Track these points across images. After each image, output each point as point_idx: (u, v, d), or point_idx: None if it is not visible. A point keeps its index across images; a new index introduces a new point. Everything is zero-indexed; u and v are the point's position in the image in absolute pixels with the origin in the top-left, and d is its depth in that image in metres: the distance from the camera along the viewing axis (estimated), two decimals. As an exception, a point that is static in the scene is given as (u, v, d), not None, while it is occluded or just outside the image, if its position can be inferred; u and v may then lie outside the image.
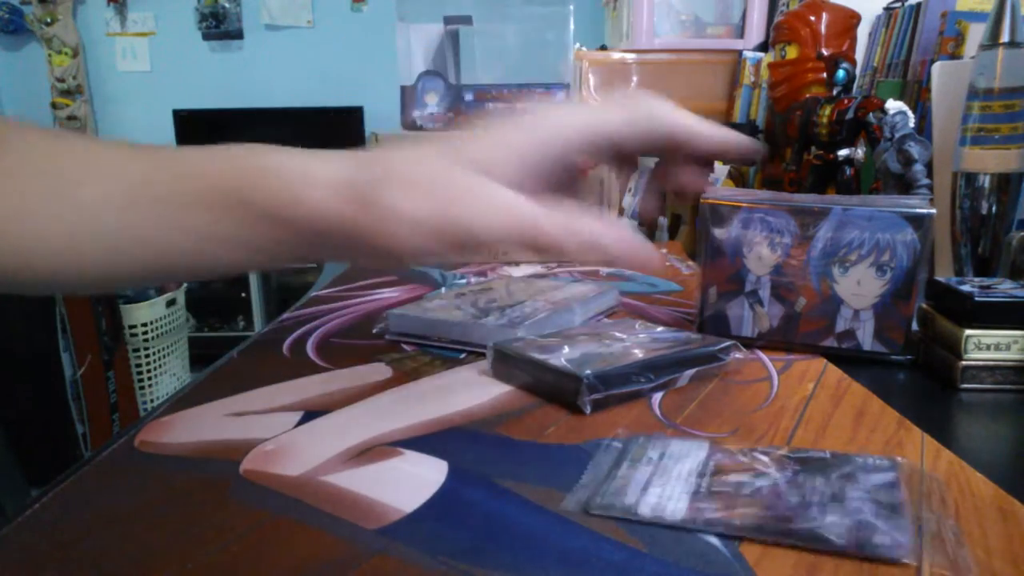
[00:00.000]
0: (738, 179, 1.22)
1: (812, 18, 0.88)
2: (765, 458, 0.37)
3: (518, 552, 0.31)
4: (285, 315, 0.71)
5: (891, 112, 0.72)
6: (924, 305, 0.54)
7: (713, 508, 0.33)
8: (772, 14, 1.50)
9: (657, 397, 0.48)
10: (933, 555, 0.29)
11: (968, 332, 0.49)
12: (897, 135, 0.71)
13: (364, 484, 0.37)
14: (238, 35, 3.57)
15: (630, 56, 1.62)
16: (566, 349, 0.50)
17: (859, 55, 0.99)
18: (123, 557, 0.31)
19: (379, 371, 0.54)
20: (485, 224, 0.37)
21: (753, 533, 0.31)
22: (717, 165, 1.15)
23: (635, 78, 1.62)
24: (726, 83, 1.57)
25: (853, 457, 0.37)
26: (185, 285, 2.54)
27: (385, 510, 0.34)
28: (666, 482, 0.35)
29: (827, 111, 0.81)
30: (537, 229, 0.38)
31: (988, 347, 0.49)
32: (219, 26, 3.55)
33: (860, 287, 0.53)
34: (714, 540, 0.31)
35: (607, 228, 0.39)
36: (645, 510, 0.33)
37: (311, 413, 0.46)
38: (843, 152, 0.81)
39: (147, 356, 2.28)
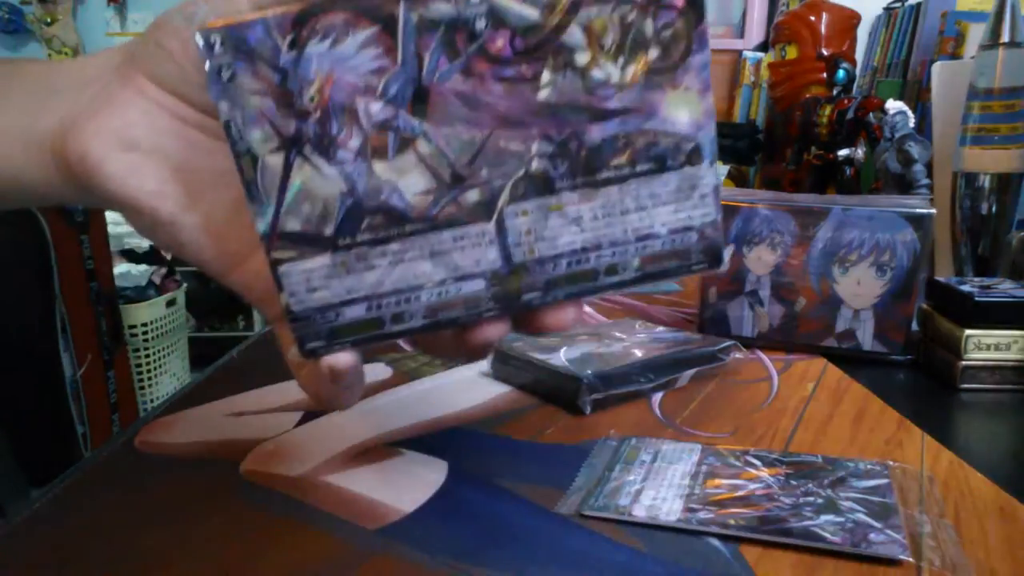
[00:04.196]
0: (738, 179, 1.22)
1: (812, 18, 0.88)
2: (757, 462, 0.37)
3: (518, 552, 0.31)
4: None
5: (891, 112, 0.72)
6: (924, 305, 0.54)
7: (708, 510, 0.33)
8: (772, 14, 1.50)
9: (657, 397, 0.48)
10: (931, 555, 0.29)
11: (968, 332, 0.49)
12: (897, 135, 0.71)
13: (364, 484, 0.37)
14: (238, 35, 3.58)
15: (630, 56, 1.62)
16: (566, 349, 0.50)
17: (859, 55, 0.99)
18: (123, 557, 0.31)
19: (379, 371, 0.54)
20: None
21: (749, 533, 0.31)
22: (717, 165, 1.15)
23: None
24: (726, 83, 1.57)
25: (845, 462, 0.37)
26: (185, 285, 2.54)
27: (385, 510, 0.34)
28: (659, 485, 0.35)
29: (827, 111, 0.81)
30: None
31: (988, 347, 0.49)
32: (219, 26, 3.55)
33: (860, 287, 0.53)
34: (714, 541, 0.31)
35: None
36: (640, 512, 0.33)
37: (311, 413, 0.46)
38: (843, 152, 0.81)
39: (147, 356, 2.28)
